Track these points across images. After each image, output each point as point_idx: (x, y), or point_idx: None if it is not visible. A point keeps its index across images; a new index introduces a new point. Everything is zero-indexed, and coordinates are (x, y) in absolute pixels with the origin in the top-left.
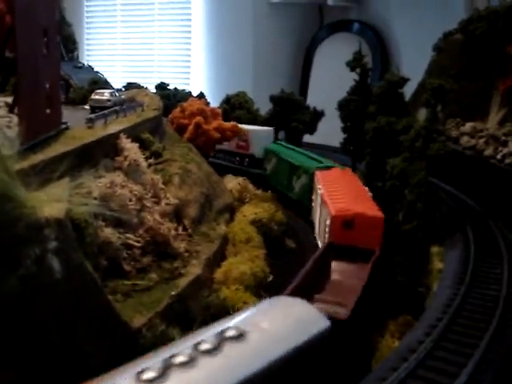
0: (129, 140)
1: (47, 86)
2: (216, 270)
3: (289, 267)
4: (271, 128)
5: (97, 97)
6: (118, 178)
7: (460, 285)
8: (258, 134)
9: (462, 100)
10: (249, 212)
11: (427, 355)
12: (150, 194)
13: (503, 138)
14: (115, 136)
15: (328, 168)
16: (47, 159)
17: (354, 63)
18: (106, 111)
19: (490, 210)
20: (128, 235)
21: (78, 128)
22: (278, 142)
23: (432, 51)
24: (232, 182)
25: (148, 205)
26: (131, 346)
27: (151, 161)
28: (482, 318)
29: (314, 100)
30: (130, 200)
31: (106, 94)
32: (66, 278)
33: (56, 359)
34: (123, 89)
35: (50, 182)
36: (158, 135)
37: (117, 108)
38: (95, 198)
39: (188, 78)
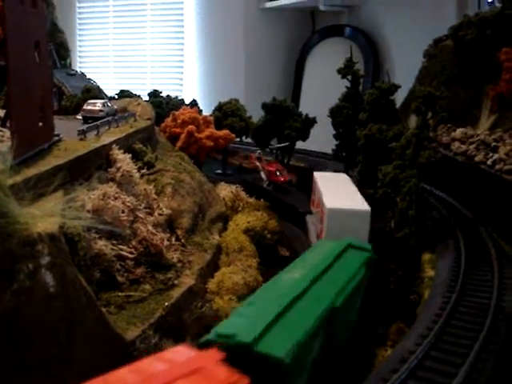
0: (121, 151)
1: (39, 99)
2: (209, 280)
3: None
4: (366, 209)
5: (89, 107)
6: (111, 189)
7: (451, 293)
8: (338, 216)
9: (452, 106)
10: (242, 221)
11: (417, 365)
12: (142, 205)
13: (493, 143)
14: (108, 147)
15: None
16: (40, 173)
17: (345, 70)
18: (98, 122)
19: (481, 216)
20: (121, 247)
21: (71, 140)
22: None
23: (422, 57)
24: (225, 190)
25: (141, 216)
26: (125, 359)
27: (144, 171)
28: (472, 326)
29: (306, 106)
30: (123, 211)
31: (98, 105)
32: (59, 292)
33: (50, 373)
34: (116, 96)
35: (44, 197)
36: (151, 145)
37: (109, 119)
38: (88, 211)
39: (181, 85)
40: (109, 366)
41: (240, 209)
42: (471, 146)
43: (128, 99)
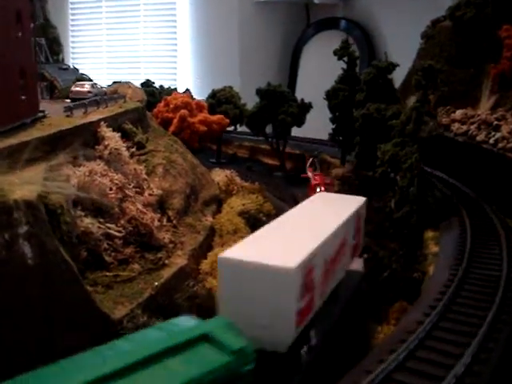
0: (110, 129)
1: (20, 71)
2: (202, 261)
3: None
4: (290, 266)
5: (77, 88)
6: (98, 166)
7: (458, 265)
8: (237, 273)
9: (452, 87)
10: (236, 203)
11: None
12: (132, 184)
13: (495, 122)
14: (95, 124)
15: None
16: (18, 143)
17: (341, 51)
18: (85, 101)
19: (484, 195)
20: (109, 225)
21: (57, 117)
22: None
23: (420, 39)
24: (219, 176)
25: (130, 194)
26: (111, 338)
27: (134, 150)
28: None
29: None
30: (111, 189)
31: (86, 86)
32: (39, 264)
33: (28, 349)
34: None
35: (22, 166)
36: (142, 127)
37: (97, 98)
38: (73, 186)
39: (175, 80)
40: (93, 344)
41: (235, 192)
42: (472, 126)
43: (118, 83)
